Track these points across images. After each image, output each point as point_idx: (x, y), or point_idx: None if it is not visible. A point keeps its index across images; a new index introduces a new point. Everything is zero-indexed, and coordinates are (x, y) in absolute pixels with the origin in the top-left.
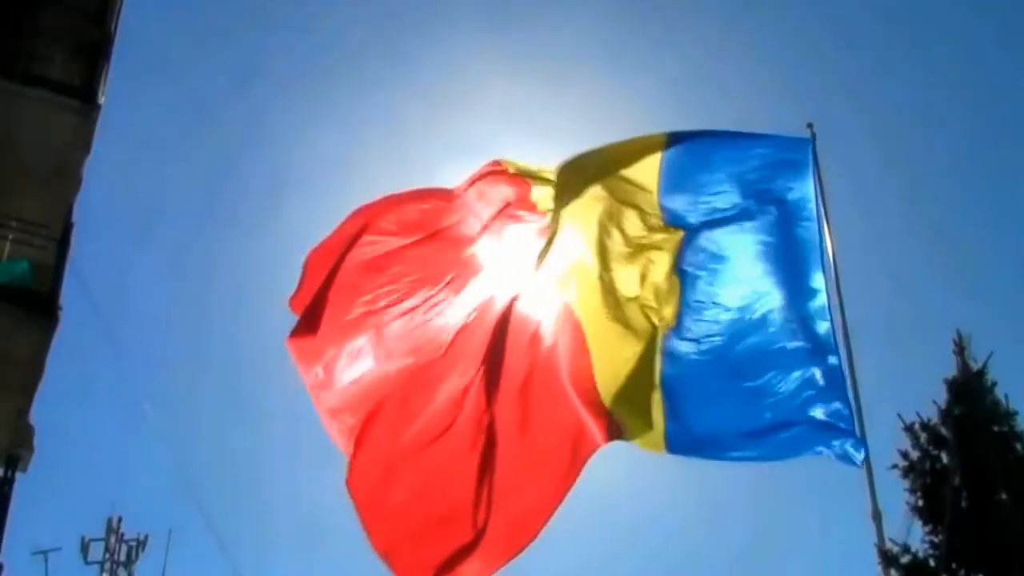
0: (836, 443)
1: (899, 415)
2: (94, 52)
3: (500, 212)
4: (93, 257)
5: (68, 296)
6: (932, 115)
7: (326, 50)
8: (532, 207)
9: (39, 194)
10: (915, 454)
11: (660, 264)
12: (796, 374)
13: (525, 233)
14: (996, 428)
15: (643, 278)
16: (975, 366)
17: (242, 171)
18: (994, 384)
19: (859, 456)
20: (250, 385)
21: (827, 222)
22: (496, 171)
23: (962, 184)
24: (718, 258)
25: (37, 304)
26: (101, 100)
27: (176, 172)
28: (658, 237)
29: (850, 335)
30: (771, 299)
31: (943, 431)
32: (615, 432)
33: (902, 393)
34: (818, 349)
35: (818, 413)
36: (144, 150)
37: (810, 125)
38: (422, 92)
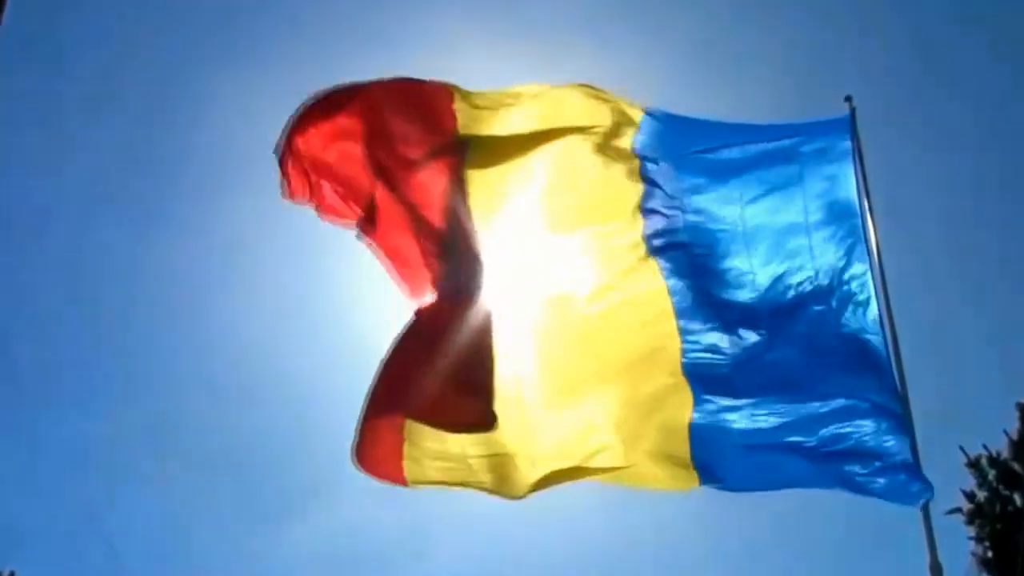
0: (892, 482)
1: (961, 448)
2: None
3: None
4: None
5: None
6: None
7: (276, 13)
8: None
9: None
10: (982, 495)
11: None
12: (843, 399)
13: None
14: None
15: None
16: None
17: (170, 158)
18: None
19: (921, 498)
20: (172, 416)
21: (871, 215)
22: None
23: None
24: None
25: None
26: None
27: (82, 160)
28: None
29: (901, 349)
30: (807, 310)
31: (1016, 467)
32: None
33: (965, 420)
34: (871, 370)
35: (870, 443)
36: (43, 133)
37: (848, 99)
38: (395, 69)
